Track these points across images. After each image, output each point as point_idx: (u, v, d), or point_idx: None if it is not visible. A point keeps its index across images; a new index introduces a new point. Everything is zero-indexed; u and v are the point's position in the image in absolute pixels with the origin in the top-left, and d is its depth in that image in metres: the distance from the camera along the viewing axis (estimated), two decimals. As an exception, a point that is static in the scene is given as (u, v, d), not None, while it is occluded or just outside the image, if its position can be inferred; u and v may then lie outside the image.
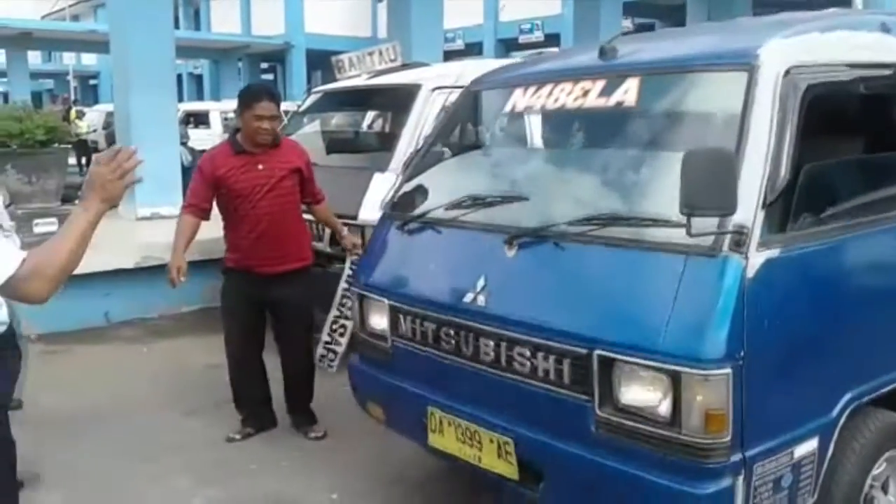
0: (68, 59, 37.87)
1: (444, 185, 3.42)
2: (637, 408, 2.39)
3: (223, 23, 32.03)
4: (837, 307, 2.56)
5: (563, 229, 2.67)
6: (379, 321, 3.32)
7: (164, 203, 7.80)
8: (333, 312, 4.31)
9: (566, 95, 3.01)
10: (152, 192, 7.70)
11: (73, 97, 25.80)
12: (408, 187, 3.52)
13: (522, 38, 25.56)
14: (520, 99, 3.22)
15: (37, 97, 34.44)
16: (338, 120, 6.50)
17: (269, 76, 33.86)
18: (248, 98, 4.04)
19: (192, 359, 5.42)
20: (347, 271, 4.28)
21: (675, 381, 2.27)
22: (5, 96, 30.27)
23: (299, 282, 4.16)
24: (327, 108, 6.56)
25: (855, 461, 2.61)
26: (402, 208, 3.42)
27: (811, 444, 2.46)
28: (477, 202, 3.07)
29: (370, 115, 6.17)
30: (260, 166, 4.02)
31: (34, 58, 35.67)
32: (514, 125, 3.34)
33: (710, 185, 2.14)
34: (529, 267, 2.77)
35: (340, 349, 4.34)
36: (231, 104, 20.07)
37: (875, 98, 2.82)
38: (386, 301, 3.25)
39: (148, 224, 7.62)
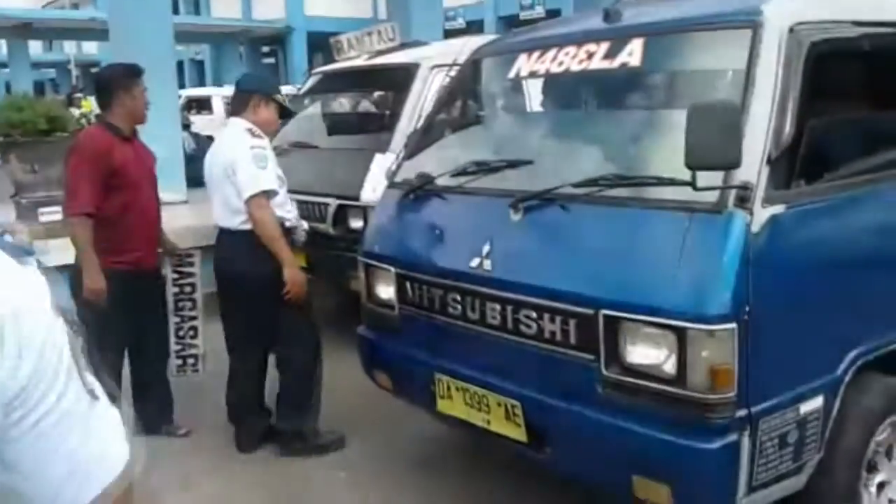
0: (69, 49, 37.80)
1: (449, 153, 3.43)
2: (643, 366, 2.40)
3: (223, 7, 31.91)
4: (842, 264, 2.56)
5: (567, 191, 2.67)
6: (385, 290, 3.33)
7: (168, 189, 7.76)
8: (173, 320, 4.17)
9: (570, 59, 3.00)
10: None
11: (79, 86, 25.76)
12: (412, 156, 3.53)
13: (523, 15, 25.39)
14: (524, 64, 3.21)
15: (39, 87, 34.41)
16: (338, 101, 6.48)
17: (271, 60, 33.73)
18: (128, 74, 3.84)
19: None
20: (173, 275, 4.17)
21: (681, 338, 2.28)
22: (7, 87, 30.27)
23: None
24: (327, 90, 6.54)
25: (858, 424, 2.62)
26: (406, 177, 3.43)
27: (817, 402, 2.47)
28: (481, 168, 3.08)
29: (370, 95, 6.16)
30: (138, 154, 3.84)
31: (35, 48, 35.63)
32: (518, 91, 3.34)
33: (714, 139, 2.14)
34: (535, 230, 2.78)
35: (199, 350, 4.24)
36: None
37: (880, 56, 2.80)
38: (392, 269, 3.26)
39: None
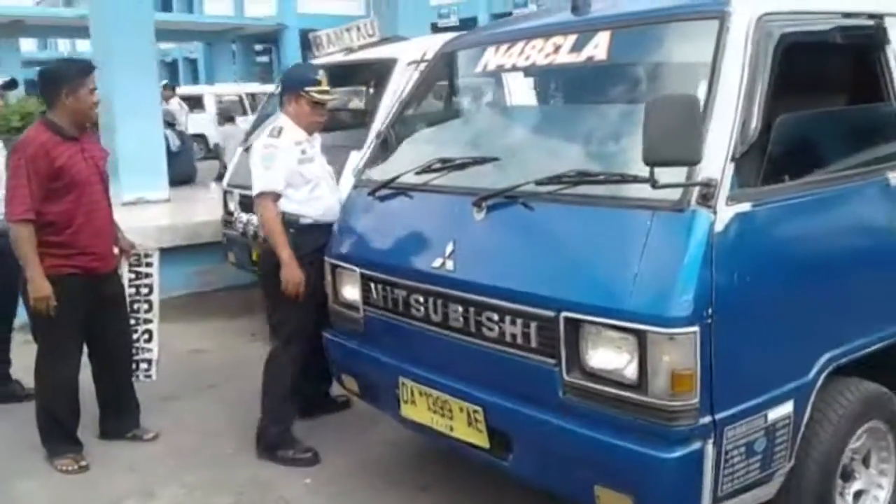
0: (64, 47, 37.65)
1: (415, 150, 3.33)
2: (604, 371, 2.31)
3: (216, 5, 31.67)
4: (812, 265, 2.46)
5: (531, 189, 2.58)
6: (351, 291, 3.25)
7: (149, 188, 7.73)
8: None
9: (537, 52, 2.91)
10: (137, 177, 7.61)
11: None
12: (379, 153, 3.44)
13: (517, 11, 25.28)
14: (491, 58, 3.12)
15: (31, 85, 34.25)
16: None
17: (264, 58, 33.61)
18: (80, 73, 3.65)
19: (178, 344, 5.32)
20: (129, 276, 4.07)
21: (641, 341, 2.19)
22: (-2, 85, 30.03)
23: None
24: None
25: (832, 431, 2.53)
26: (372, 175, 3.33)
27: (786, 408, 2.38)
28: (446, 165, 2.98)
29: (347, 91, 6.05)
30: (85, 154, 3.66)
31: (30, 45, 35.48)
32: (485, 85, 3.25)
33: (673, 134, 2.04)
34: (498, 229, 2.68)
35: (153, 356, 4.13)
36: (225, 88, 19.63)
37: (853, 48, 2.70)
38: (357, 270, 3.17)
39: (133, 209, 7.52)
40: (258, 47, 32.43)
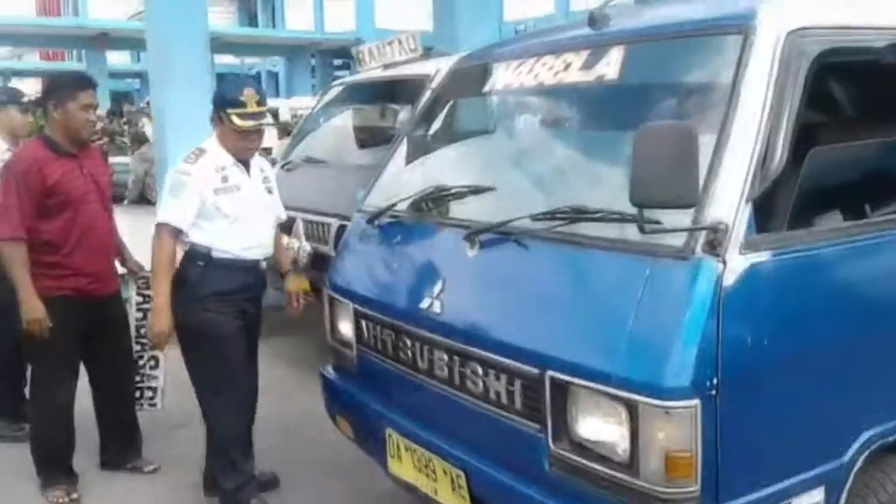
0: (153, 59, 38.79)
1: (419, 175, 3.05)
2: (593, 443, 1.97)
3: (298, 21, 32.25)
4: (847, 325, 2.05)
5: (525, 225, 2.26)
6: (346, 327, 2.98)
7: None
8: (134, 348, 3.83)
9: (547, 70, 2.60)
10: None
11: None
12: (383, 178, 3.17)
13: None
14: (500, 77, 2.82)
15: (123, 96, 35.49)
16: (355, 114, 6.17)
17: (343, 72, 34.01)
18: (70, 86, 3.46)
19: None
20: (137, 298, 3.82)
21: (633, 413, 1.84)
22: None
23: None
24: (346, 102, 6.24)
25: None
26: (373, 202, 3.07)
27: (815, 496, 2.00)
28: (443, 194, 2.70)
29: (384, 107, 5.83)
30: (84, 170, 3.48)
31: (124, 57, 36.76)
32: (491, 106, 2.95)
33: (664, 171, 1.70)
34: (489, 269, 2.38)
35: (158, 383, 3.90)
36: (300, 101, 20.07)
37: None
38: (350, 305, 2.91)
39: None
40: (336, 61, 32.83)
